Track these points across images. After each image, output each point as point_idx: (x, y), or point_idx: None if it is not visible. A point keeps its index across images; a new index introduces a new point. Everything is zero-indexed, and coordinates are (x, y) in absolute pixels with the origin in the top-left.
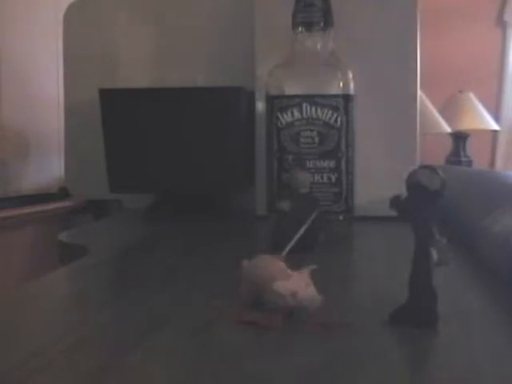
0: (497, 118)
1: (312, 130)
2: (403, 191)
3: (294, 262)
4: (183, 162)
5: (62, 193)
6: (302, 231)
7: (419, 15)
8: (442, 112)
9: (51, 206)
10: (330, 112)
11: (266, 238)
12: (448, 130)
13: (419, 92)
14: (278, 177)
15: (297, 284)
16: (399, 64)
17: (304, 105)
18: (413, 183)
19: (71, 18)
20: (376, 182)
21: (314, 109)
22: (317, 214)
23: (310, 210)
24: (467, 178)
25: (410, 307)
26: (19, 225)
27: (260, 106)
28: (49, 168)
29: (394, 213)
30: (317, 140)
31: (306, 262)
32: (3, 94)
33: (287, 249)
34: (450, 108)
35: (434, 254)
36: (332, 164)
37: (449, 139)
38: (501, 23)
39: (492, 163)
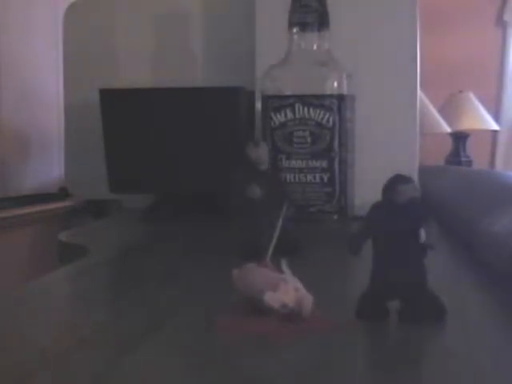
0: (497, 118)
1: (304, 130)
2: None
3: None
4: (183, 162)
5: (62, 193)
6: (276, 234)
7: (419, 15)
8: (441, 112)
9: (51, 206)
10: (323, 112)
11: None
12: (448, 130)
13: (419, 92)
14: None
15: (285, 292)
16: (399, 64)
17: (297, 105)
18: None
19: (71, 18)
20: (376, 182)
21: (306, 109)
22: (287, 211)
23: (278, 205)
24: (467, 178)
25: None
26: (19, 225)
27: (260, 105)
28: (49, 168)
29: None
30: (309, 140)
31: (290, 265)
32: (3, 94)
33: (269, 253)
34: (449, 108)
35: (423, 235)
36: (324, 164)
37: (449, 139)
38: (501, 23)
39: (492, 163)
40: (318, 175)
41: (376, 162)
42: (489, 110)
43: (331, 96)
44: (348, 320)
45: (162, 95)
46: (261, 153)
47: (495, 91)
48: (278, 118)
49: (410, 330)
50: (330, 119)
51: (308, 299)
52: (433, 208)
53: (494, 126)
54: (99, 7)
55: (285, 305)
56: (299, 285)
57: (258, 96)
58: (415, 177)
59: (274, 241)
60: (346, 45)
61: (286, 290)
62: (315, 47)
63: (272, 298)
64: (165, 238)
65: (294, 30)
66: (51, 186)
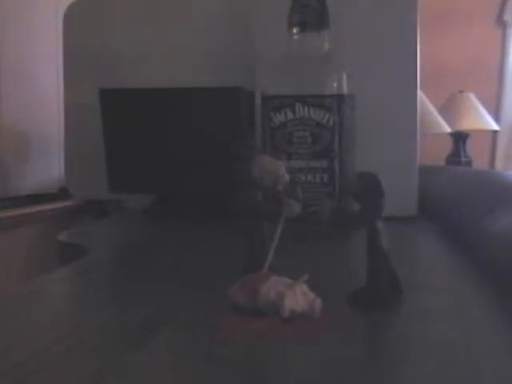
0: (497, 118)
1: (304, 130)
2: (404, 191)
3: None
4: (183, 162)
5: (62, 193)
6: (275, 244)
7: (419, 15)
8: (441, 112)
9: (51, 206)
10: (323, 112)
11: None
12: (448, 130)
13: (419, 92)
14: None
15: (294, 299)
16: (399, 64)
17: (297, 105)
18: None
19: (71, 18)
20: None
21: (306, 109)
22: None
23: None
24: (467, 177)
25: (369, 291)
26: (19, 225)
27: (260, 105)
28: (49, 168)
29: (393, 212)
30: (309, 140)
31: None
32: (3, 94)
33: (268, 263)
34: (449, 108)
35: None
36: (324, 164)
37: (449, 139)
38: (501, 23)
39: (492, 163)
40: (318, 175)
41: (376, 162)
42: (489, 110)
43: (331, 96)
44: (347, 320)
45: (161, 95)
46: (280, 169)
47: (495, 91)
48: (278, 118)
49: (409, 329)
50: (330, 119)
51: (318, 302)
52: (433, 208)
53: (494, 126)
54: (99, 7)
55: (293, 311)
56: (306, 288)
57: (257, 96)
58: (415, 177)
59: (272, 251)
60: (346, 45)
61: (294, 296)
62: (315, 47)
63: (282, 308)
64: (165, 238)
65: (294, 30)
66: (51, 186)
